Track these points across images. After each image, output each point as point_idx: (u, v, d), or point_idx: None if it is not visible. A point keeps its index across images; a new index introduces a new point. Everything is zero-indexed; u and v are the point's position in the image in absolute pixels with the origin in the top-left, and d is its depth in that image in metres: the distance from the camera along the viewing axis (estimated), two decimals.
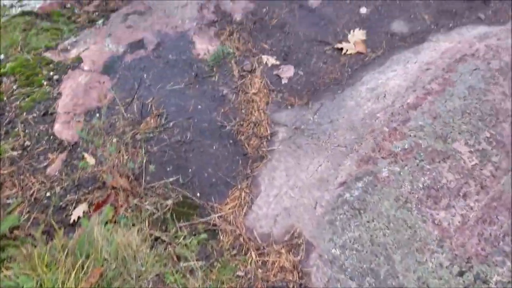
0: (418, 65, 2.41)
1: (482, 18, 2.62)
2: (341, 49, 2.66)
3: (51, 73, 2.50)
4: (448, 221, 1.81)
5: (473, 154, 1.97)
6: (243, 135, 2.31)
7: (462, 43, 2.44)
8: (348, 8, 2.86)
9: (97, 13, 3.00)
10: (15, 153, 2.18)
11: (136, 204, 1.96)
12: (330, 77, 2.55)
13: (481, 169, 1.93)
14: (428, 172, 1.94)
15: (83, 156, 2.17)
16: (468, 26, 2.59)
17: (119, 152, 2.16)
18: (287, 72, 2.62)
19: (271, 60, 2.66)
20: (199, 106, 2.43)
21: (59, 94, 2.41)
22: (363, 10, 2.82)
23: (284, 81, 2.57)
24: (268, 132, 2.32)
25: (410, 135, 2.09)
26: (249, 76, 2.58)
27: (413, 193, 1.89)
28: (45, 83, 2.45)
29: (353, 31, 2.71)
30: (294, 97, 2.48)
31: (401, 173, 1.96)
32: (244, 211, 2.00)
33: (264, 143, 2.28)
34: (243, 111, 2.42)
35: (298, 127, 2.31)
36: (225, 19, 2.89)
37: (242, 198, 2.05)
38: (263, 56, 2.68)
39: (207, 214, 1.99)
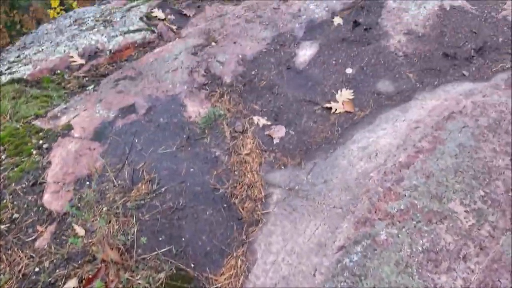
0: (407, 123, 2.45)
1: (466, 75, 2.72)
2: (330, 108, 2.70)
3: (41, 142, 2.47)
4: (450, 286, 1.76)
5: (469, 214, 1.96)
6: (237, 198, 2.28)
7: (448, 101, 2.51)
8: (334, 69, 2.95)
9: (87, 79, 3.03)
10: (3, 226, 2.10)
11: (127, 279, 1.88)
12: (321, 136, 2.57)
13: (479, 229, 1.91)
14: (426, 234, 1.91)
15: (72, 227, 2.10)
16: (453, 83, 2.68)
17: (110, 222, 2.10)
18: (279, 132, 2.64)
19: (262, 121, 2.69)
20: (192, 169, 2.41)
21: (49, 163, 2.37)
22: (349, 70, 2.91)
23: (276, 141, 2.59)
24: (262, 194, 2.29)
25: (405, 195, 2.08)
26: (241, 137, 2.59)
27: (413, 256, 1.85)
28: (34, 152, 2.42)
29: (340, 91, 2.78)
30: (286, 157, 2.48)
31: (399, 235, 1.93)
32: (240, 281, 1.92)
33: (259, 205, 2.25)
34: (236, 172, 2.41)
35: (292, 188, 2.29)
36: (215, 81, 2.94)
37: (238, 267, 1.98)
38: (254, 117, 2.71)
39: (201, 286, 1.91)
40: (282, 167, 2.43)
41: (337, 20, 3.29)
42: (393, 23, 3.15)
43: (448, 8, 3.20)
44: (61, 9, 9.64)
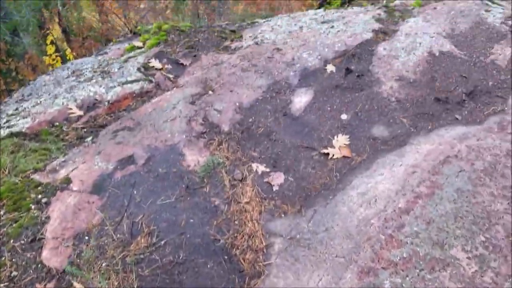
0: (404, 168, 2.48)
1: (459, 118, 2.79)
2: (327, 154, 2.74)
3: (39, 196, 2.46)
4: None
5: (471, 261, 1.95)
6: (237, 249, 2.26)
7: (443, 145, 2.56)
8: (330, 115, 3.01)
9: (85, 130, 3.06)
10: (1, 285, 2.05)
11: None
12: (320, 182, 2.59)
13: (482, 276, 1.90)
14: (430, 283, 1.90)
15: (72, 284, 2.05)
16: (447, 127, 2.74)
17: (109, 279, 2.06)
18: (278, 179, 2.65)
19: (260, 168, 2.71)
20: (191, 220, 2.40)
21: (48, 218, 2.35)
22: (344, 116, 2.98)
23: (275, 188, 2.60)
24: (263, 244, 2.28)
25: (407, 242, 2.08)
26: (240, 185, 2.60)
27: None
28: (33, 207, 2.40)
29: (337, 136, 2.82)
30: (286, 205, 2.48)
31: (404, 284, 1.92)
32: None
33: (260, 256, 2.22)
34: (236, 222, 2.40)
35: (294, 237, 2.28)
36: (213, 130, 2.98)
37: None
38: (252, 164, 2.73)
39: None
40: (283, 215, 2.43)
41: (330, 68, 3.39)
42: (384, 70, 3.26)
43: (437, 54, 3.32)
44: (56, 56, 9.83)
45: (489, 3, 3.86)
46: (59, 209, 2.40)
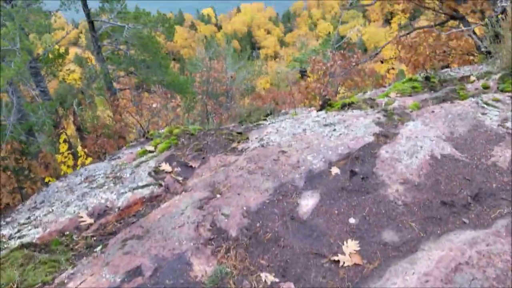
0: (417, 277, 2.42)
1: (466, 222, 2.78)
2: (338, 261, 2.69)
3: None
4: None
5: None
6: None
7: (453, 251, 2.52)
8: (338, 219, 3.02)
9: (95, 238, 3.08)
10: None
11: None
12: None
13: None
14: None
15: None
16: (455, 232, 2.72)
17: None
18: None
19: (269, 278, 2.65)
20: None
21: None
22: (352, 220, 2.98)
23: None
24: None
25: None
26: None
27: None
28: None
29: (346, 242, 2.80)
30: None
31: None
32: None
33: None
34: None
35: None
36: (221, 235, 2.98)
37: None
38: (261, 274, 2.67)
39: None
40: None
41: (335, 170, 3.48)
42: (389, 173, 3.33)
43: (439, 157, 3.42)
44: (68, 153, 10.16)
45: (485, 105, 4.06)
46: None
